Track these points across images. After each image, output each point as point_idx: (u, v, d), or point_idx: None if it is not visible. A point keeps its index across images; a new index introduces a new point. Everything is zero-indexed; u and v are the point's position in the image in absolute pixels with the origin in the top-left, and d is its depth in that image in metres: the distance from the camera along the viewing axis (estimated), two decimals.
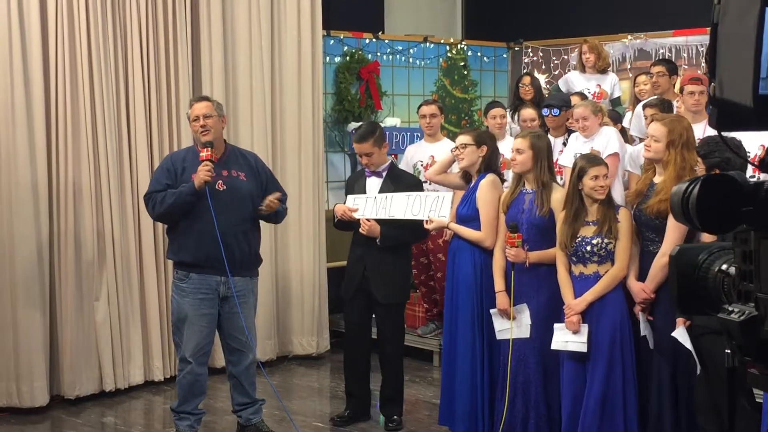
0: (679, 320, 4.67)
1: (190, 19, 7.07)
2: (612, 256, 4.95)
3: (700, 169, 4.68)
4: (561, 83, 8.25)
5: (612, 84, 8.04)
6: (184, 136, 6.98)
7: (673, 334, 4.81)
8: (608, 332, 4.96)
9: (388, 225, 5.78)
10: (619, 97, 8.03)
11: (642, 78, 7.62)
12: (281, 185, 5.89)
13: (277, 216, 5.75)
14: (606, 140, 6.12)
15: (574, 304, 5.04)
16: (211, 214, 5.33)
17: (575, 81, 8.12)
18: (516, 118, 8.24)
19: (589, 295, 5.00)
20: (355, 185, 6.08)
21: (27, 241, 6.29)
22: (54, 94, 6.45)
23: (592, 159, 5.10)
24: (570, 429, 5.07)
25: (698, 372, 4.87)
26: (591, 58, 8.00)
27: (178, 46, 6.96)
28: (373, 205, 5.81)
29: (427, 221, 5.64)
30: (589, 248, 4.96)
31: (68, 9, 6.43)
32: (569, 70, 9.07)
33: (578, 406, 5.03)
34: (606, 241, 4.93)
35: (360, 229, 5.80)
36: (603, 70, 8.06)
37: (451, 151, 5.75)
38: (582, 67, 8.14)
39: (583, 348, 5.01)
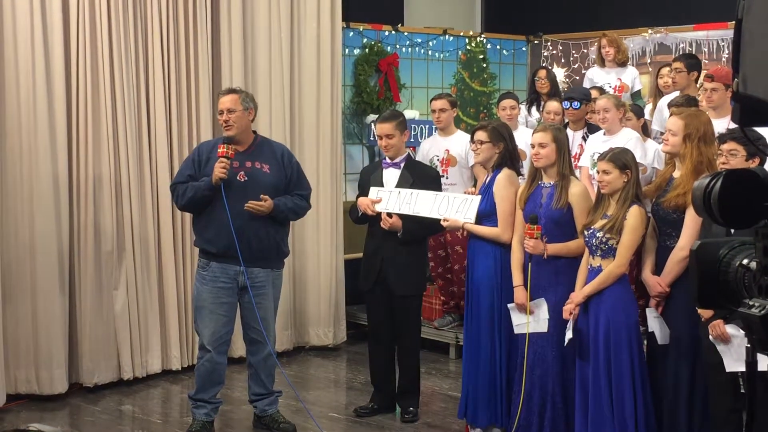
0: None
1: (210, 12, 7.09)
2: (614, 252, 4.95)
3: (740, 156, 4.65)
4: (585, 82, 8.23)
5: (632, 77, 8.02)
6: (203, 127, 7.01)
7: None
8: (603, 328, 4.96)
9: (408, 219, 5.78)
10: (639, 91, 8.00)
11: (665, 70, 7.59)
12: (307, 180, 5.90)
13: (282, 214, 5.60)
14: (624, 143, 6.08)
15: (573, 295, 5.07)
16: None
17: (596, 76, 8.11)
18: (533, 111, 8.26)
19: (587, 289, 5.02)
20: (371, 177, 6.07)
21: (48, 231, 6.34)
22: (75, 86, 6.48)
23: (605, 153, 5.09)
24: (583, 423, 5.08)
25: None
26: (610, 52, 7.99)
27: (199, 38, 6.99)
28: (397, 200, 5.79)
29: (443, 219, 5.63)
30: (594, 241, 4.97)
31: (90, 2, 6.46)
32: (588, 64, 9.06)
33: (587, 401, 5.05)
34: (608, 236, 4.92)
35: (381, 224, 5.80)
36: (622, 64, 8.05)
37: (469, 145, 5.74)
38: (602, 62, 8.12)
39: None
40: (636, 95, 7.97)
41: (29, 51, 6.24)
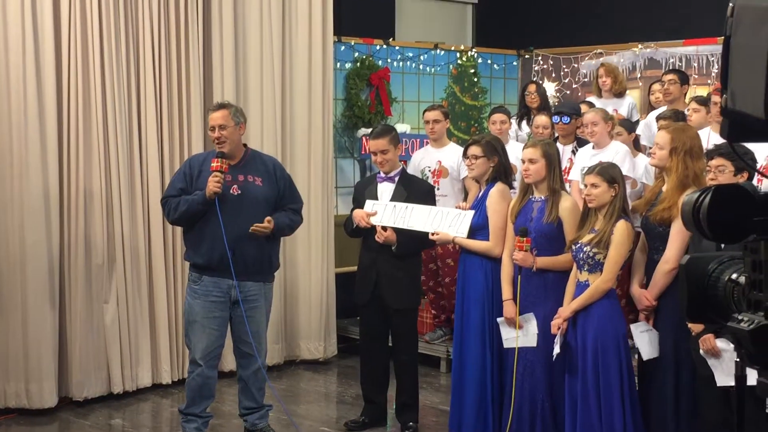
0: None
1: (201, 25, 7.10)
2: (601, 267, 4.96)
3: (728, 172, 4.67)
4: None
5: (629, 107, 7.95)
6: (194, 141, 7.02)
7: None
8: (591, 342, 4.97)
9: (403, 233, 5.78)
10: (638, 121, 7.83)
11: (657, 86, 7.62)
12: (298, 193, 5.91)
13: (281, 231, 5.69)
14: (613, 156, 6.10)
15: (561, 310, 5.08)
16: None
17: None
18: (523, 125, 8.28)
19: (575, 304, 5.03)
20: (365, 191, 6.07)
21: (38, 244, 6.32)
22: (66, 99, 6.48)
23: (593, 167, 5.11)
24: None
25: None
26: (607, 82, 7.94)
27: (190, 51, 6.99)
28: (392, 213, 5.79)
29: (432, 233, 5.63)
30: (581, 255, 4.98)
31: (81, 17, 6.47)
32: (579, 78, 9.10)
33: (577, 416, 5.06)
34: (594, 251, 4.93)
35: (376, 237, 5.80)
36: (619, 94, 7.99)
37: (463, 160, 5.78)
38: (598, 91, 8.09)
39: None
40: (635, 125, 7.93)
41: (20, 64, 6.24)
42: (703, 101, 6.67)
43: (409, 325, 6.04)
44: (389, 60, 8.85)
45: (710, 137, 5.95)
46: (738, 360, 1.95)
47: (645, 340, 5.03)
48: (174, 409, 6.46)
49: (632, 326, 5.10)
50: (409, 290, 5.97)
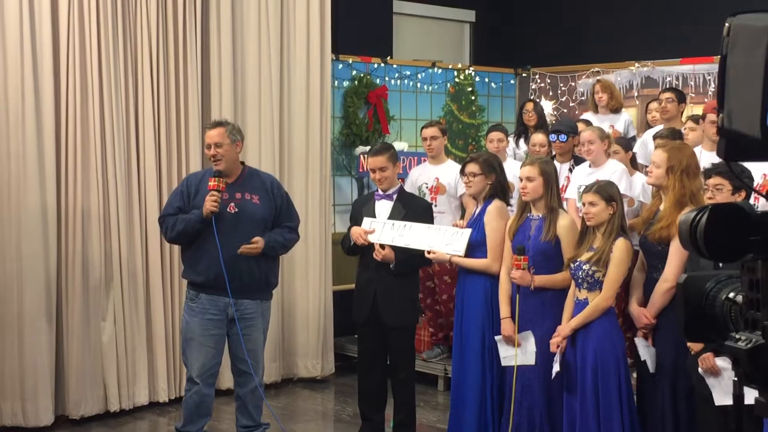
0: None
1: (199, 44, 7.11)
2: (600, 285, 4.96)
3: (726, 191, 4.68)
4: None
5: (626, 124, 7.95)
6: (192, 159, 7.02)
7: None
8: (590, 360, 4.97)
9: (401, 251, 5.78)
10: (634, 137, 7.86)
11: (654, 105, 7.63)
12: (296, 211, 5.90)
13: (273, 250, 5.65)
14: (610, 175, 6.10)
15: (560, 328, 5.07)
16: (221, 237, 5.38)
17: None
18: (521, 143, 8.29)
19: (574, 322, 5.03)
20: (363, 209, 6.06)
21: (35, 262, 6.32)
22: (64, 117, 6.49)
23: (592, 185, 5.12)
24: None
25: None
26: (604, 98, 7.95)
27: (188, 70, 7.01)
28: (390, 231, 5.78)
29: (429, 252, 5.63)
30: (580, 273, 4.98)
31: (80, 34, 6.49)
32: (576, 97, 9.11)
33: None
34: (594, 269, 4.93)
35: (374, 255, 5.79)
36: (616, 110, 8.00)
37: (460, 177, 5.78)
38: (595, 107, 8.11)
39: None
40: (631, 143, 7.94)
41: (19, 81, 6.26)
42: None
43: (406, 343, 6.02)
44: (387, 78, 8.87)
45: (702, 155, 5.96)
46: (736, 379, 1.95)
47: (648, 354, 5.03)
48: (171, 428, 6.43)
49: (637, 340, 5.10)
50: (406, 308, 5.95)
